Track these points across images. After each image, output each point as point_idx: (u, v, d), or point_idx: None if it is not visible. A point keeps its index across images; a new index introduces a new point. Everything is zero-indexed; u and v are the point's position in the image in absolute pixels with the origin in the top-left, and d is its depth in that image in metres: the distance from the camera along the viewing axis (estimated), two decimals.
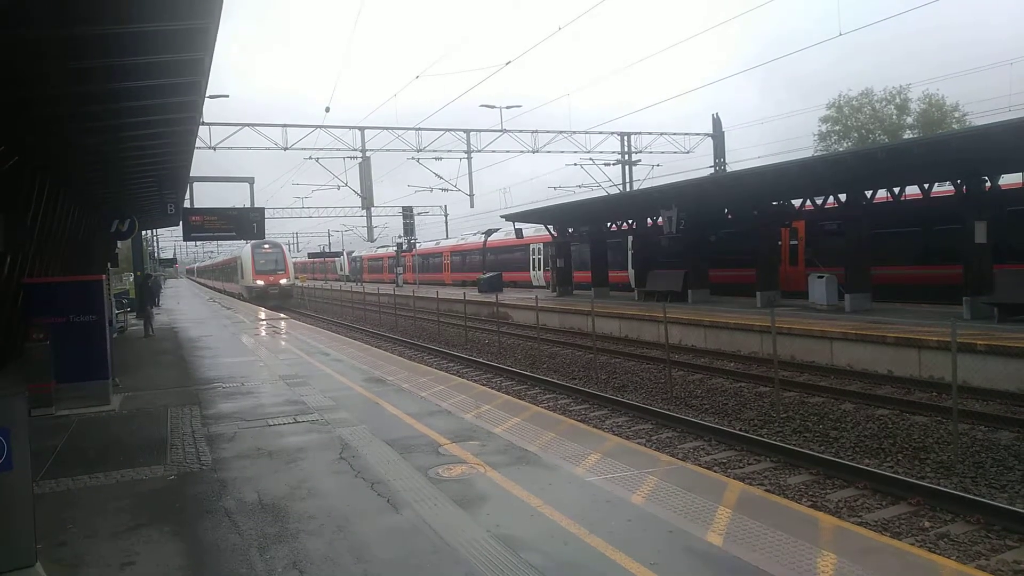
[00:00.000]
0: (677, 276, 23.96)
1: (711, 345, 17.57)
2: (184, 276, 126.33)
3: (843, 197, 18.55)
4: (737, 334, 16.93)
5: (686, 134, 34.82)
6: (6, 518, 4.15)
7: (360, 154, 30.35)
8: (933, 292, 17.96)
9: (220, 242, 62.36)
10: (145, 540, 5.13)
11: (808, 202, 19.99)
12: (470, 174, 33.32)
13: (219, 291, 62.58)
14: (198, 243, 75.21)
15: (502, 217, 33.55)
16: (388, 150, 31.06)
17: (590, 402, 12.94)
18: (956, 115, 46.33)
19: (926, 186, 16.87)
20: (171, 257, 72.46)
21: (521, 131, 32.00)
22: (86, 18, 6.49)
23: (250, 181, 23.76)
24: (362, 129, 30.30)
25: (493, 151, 32.12)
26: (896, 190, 17.50)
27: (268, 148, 28.55)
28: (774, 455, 9.10)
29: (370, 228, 41.28)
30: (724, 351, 16.85)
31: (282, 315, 32.47)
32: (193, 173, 20.62)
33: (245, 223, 22.84)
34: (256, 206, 24.39)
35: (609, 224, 27.89)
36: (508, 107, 31.17)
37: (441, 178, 35.60)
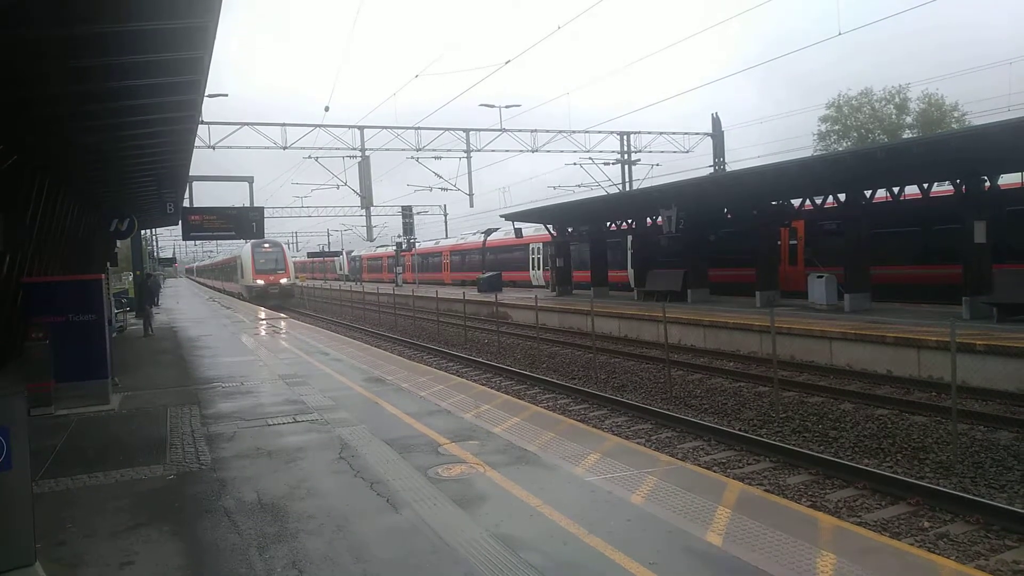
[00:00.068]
0: (676, 276, 23.96)
1: (710, 345, 17.57)
2: (183, 276, 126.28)
3: (842, 197, 18.55)
4: (736, 334, 16.93)
5: (685, 134, 34.84)
6: (5, 517, 4.15)
7: (359, 153, 30.34)
8: (932, 292, 17.96)
9: (219, 241, 62.51)
10: (144, 540, 5.13)
11: (807, 202, 20.00)
12: (469, 173, 33.34)
13: (219, 291, 62.54)
14: (197, 242, 75.25)
15: (501, 217, 33.57)
16: (387, 149, 31.07)
17: (589, 402, 12.95)
18: (955, 115, 46.37)
19: (925, 186, 16.88)
20: (170, 256, 72.43)
21: (520, 130, 32.01)
22: (85, 17, 6.49)
23: (249, 180, 23.75)
24: (361, 128, 30.29)
25: (492, 150, 32.13)
26: (895, 190, 17.50)
27: (267, 147, 28.57)
28: (773, 455, 9.10)
29: (369, 227, 41.24)
30: (723, 351, 16.85)
31: (281, 315, 32.48)
32: (192, 172, 20.62)
33: (244, 222, 22.82)
34: (255, 205, 24.36)
35: (608, 224, 27.90)
36: (507, 106, 31.19)
37: (440, 177, 35.62)
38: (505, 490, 5.89)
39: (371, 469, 6.60)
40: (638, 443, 9.08)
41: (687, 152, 34.90)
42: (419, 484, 6.11)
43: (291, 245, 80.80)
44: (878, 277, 18.66)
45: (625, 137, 34.33)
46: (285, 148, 28.81)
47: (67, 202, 16.80)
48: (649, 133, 34.41)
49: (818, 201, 19.59)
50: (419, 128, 30.98)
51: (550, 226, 30.50)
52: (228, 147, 27.53)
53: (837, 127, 50.52)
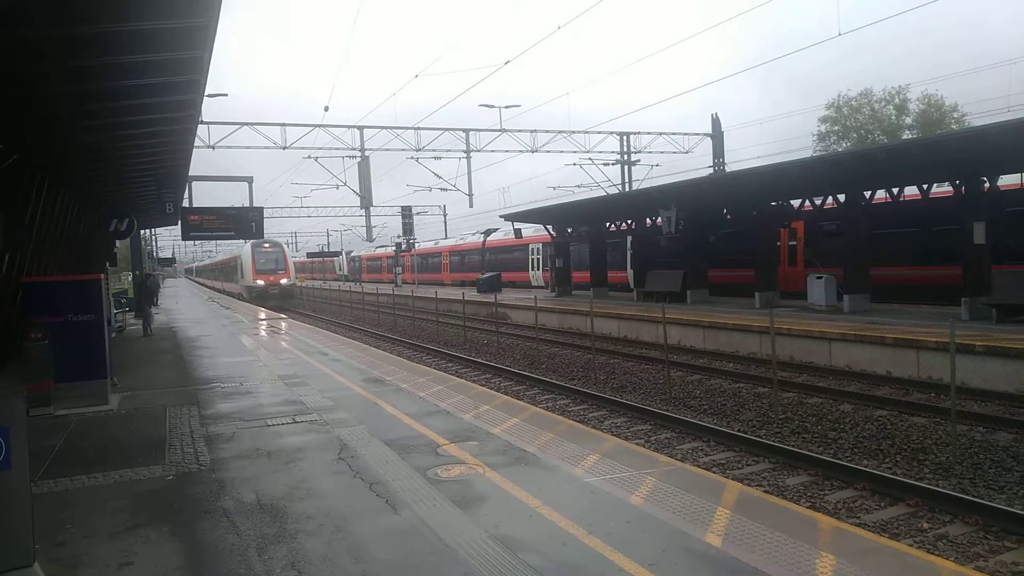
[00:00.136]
0: (676, 276, 23.96)
1: (710, 346, 17.57)
2: (183, 276, 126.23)
3: (842, 197, 18.56)
4: (736, 335, 16.94)
5: (685, 134, 34.86)
6: (4, 518, 4.15)
7: (359, 153, 30.34)
8: (932, 293, 17.97)
9: (219, 241, 62.50)
10: (143, 540, 5.13)
11: (807, 202, 20.00)
12: (469, 174, 33.35)
13: (218, 291, 62.50)
14: (197, 242, 75.26)
15: (501, 217, 33.57)
16: (387, 149, 31.06)
17: (589, 402, 12.94)
18: (955, 115, 46.41)
19: (925, 187, 16.88)
20: (170, 256, 72.39)
21: (520, 131, 32.02)
22: (85, 17, 6.48)
23: (249, 180, 23.75)
24: (361, 128, 30.29)
25: (492, 151, 32.14)
26: (895, 191, 17.51)
27: (267, 147, 28.56)
28: (773, 456, 9.10)
29: (369, 228, 41.26)
30: (723, 352, 16.85)
31: (281, 315, 32.47)
32: (192, 172, 20.60)
33: (244, 222, 22.83)
34: (255, 205, 24.37)
35: (608, 224, 27.90)
36: (507, 107, 31.19)
37: (440, 178, 35.62)
38: (504, 491, 5.89)
39: (370, 470, 6.60)
40: (637, 444, 9.09)
41: (687, 152, 34.93)
42: (418, 485, 6.10)
43: (290, 245, 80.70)
44: (877, 278, 18.66)
45: (625, 137, 34.34)
46: (285, 148, 28.80)
47: (67, 202, 16.80)
48: (649, 134, 34.44)
49: (818, 202, 19.59)
50: (419, 128, 31.00)
51: (549, 226, 30.50)
52: (228, 147, 27.56)
53: (837, 128, 50.56)
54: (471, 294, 28.80)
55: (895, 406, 11.12)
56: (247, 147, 29.20)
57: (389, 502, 5.70)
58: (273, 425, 8.67)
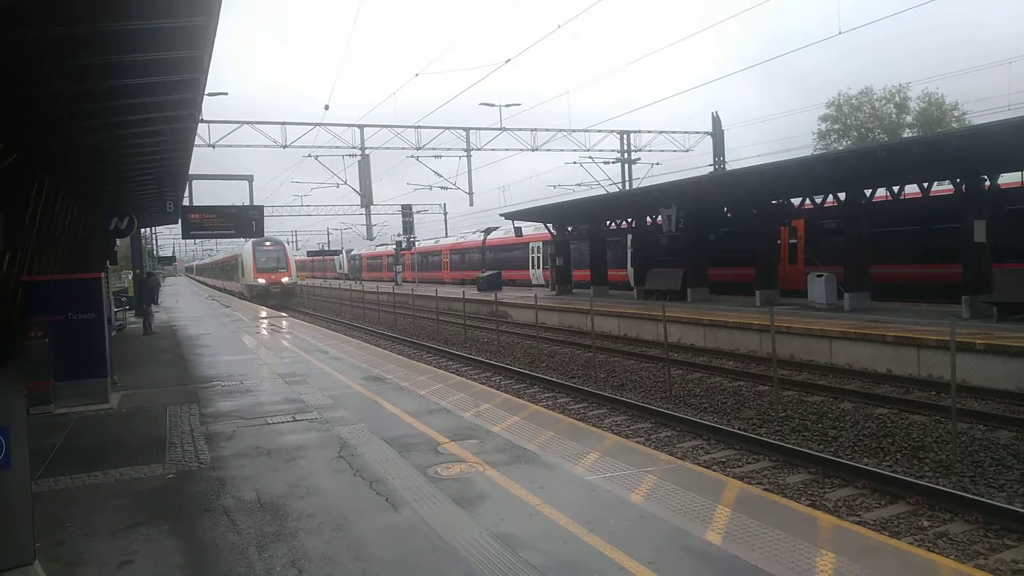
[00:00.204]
0: (676, 275, 23.96)
1: (710, 344, 17.57)
2: (183, 274, 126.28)
3: (842, 196, 18.55)
4: (736, 333, 16.94)
5: (685, 132, 34.83)
6: (4, 516, 4.15)
7: (359, 152, 30.33)
8: (932, 291, 17.96)
9: (219, 240, 62.47)
10: (144, 539, 5.13)
11: (807, 201, 19.99)
12: (469, 172, 33.34)
13: (219, 290, 62.48)
14: (197, 241, 75.19)
15: (501, 215, 33.57)
16: (387, 148, 31.06)
17: (589, 401, 12.95)
18: (955, 114, 46.37)
19: (925, 185, 16.88)
20: (170, 255, 72.41)
21: (520, 129, 32.00)
22: (85, 16, 6.49)
23: (249, 179, 23.77)
24: (361, 127, 30.29)
25: (492, 149, 32.14)
26: (895, 189, 17.50)
27: (267, 146, 28.56)
28: (773, 454, 9.11)
29: (369, 226, 41.25)
30: (723, 350, 16.86)
31: (281, 313, 32.50)
32: (192, 171, 20.62)
33: (244, 221, 22.83)
34: (255, 204, 24.38)
35: (608, 222, 27.89)
36: (507, 105, 31.16)
37: (440, 176, 35.61)
38: (504, 489, 5.89)
39: (370, 468, 6.60)
40: (638, 442, 9.09)
41: (687, 151, 34.91)
42: (418, 483, 6.11)
43: (291, 244, 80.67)
44: (878, 276, 18.66)
45: (625, 136, 34.32)
46: (285, 147, 28.80)
47: (67, 201, 16.80)
48: (649, 132, 34.41)
49: (818, 200, 19.59)
50: (419, 127, 30.99)
51: (550, 225, 30.50)
52: (228, 146, 27.54)
53: (837, 126, 50.52)
54: (471, 292, 28.80)
55: (895, 404, 11.13)
56: (247, 146, 29.18)
57: (389, 500, 5.70)
58: (273, 423, 8.68)
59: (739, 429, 10.37)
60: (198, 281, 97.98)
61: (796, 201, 20.61)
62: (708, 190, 21.21)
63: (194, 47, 7.53)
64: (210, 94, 22.36)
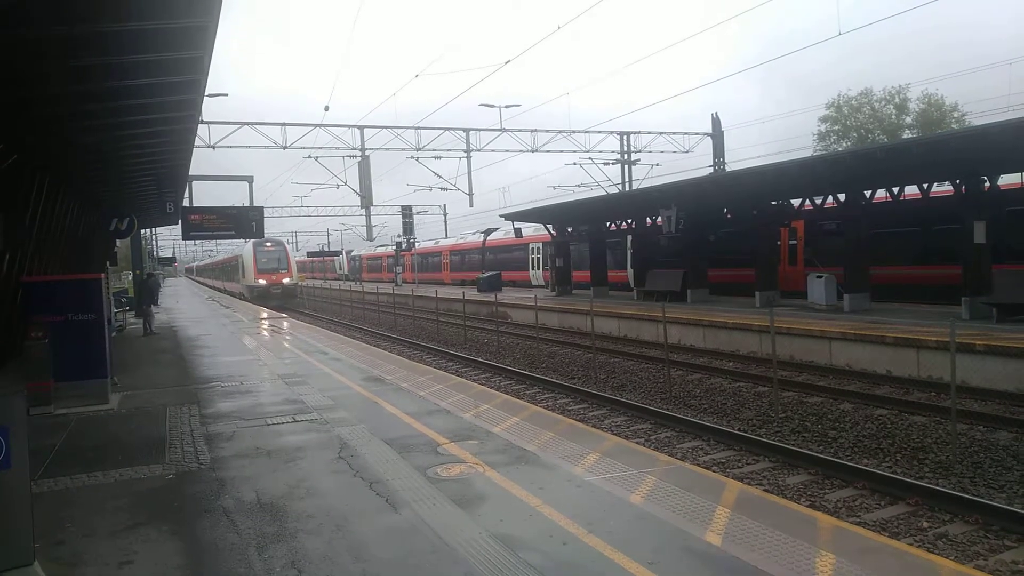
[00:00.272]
0: (676, 276, 23.96)
1: (710, 345, 17.57)
2: (183, 275, 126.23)
3: (842, 197, 18.55)
4: (736, 334, 16.94)
5: (685, 133, 34.84)
6: (4, 517, 4.15)
7: (359, 153, 30.34)
8: (932, 292, 17.96)
9: (219, 241, 62.43)
10: (143, 539, 5.13)
11: (807, 202, 20.00)
12: (469, 173, 33.36)
13: (219, 291, 62.44)
14: (197, 242, 75.12)
15: (501, 216, 33.57)
16: (387, 149, 31.07)
17: (589, 401, 12.95)
18: (955, 115, 46.38)
19: (925, 186, 16.88)
20: (170, 256, 72.39)
21: (520, 130, 32.01)
22: (85, 17, 6.49)
23: (249, 180, 23.76)
24: (361, 128, 30.29)
25: (492, 150, 32.13)
26: (895, 190, 17.50)
27: (267, 147, 28.56)
28: (773, 455, 9.10)
29: (369, 227, 41.24)
30: (723, 351, 16.86)
31: (281, 314, 32.48)
32: (192, 172, 20.62)
33: (244, 222, 22.83)
34: (255, 205, 24.38)
35: (608, 223, 27.90)
36: (507, 106, 31.19)
37: (440, 177, 35.62)
38: (504, 490, 5.89)
39: (370, 469, 6.60)
40: (637, 443, 9.08)
41: (687, 152, 34.92)
42: (418, 484, 6.11)
43: (291, 244, 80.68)
44: (878, 277, 18.66)
45: (625, 137, 34.33)
46: (285, 148, 28.80)
47: (67, 201, 16.80)
48: (649, 133, 34.43)
49: (818, 201, 19.59)
50: (419, 128, 31.00)
51: (550, 226, 30.50)
52: (228, 147, 27.56)
53: (837, 127, 50.53)
54: (471, 293, 28.80)
55: (895, 405, 11.12)
56: (247, 147, 29.24)
57: (389, 501, 5.70)
58: (273, 424, 8.67)
59: (739, 430, 10.37)
60: (198, 282, 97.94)
61: (796, 202, 20.62)
62: (708, 191, 21.22)
63: (194, 48, 7.53)
64: (210, 95, 22.39)
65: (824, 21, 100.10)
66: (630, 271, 28.99)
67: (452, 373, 15.23)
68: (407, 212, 54.21)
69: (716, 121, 33.65)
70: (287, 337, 20.09)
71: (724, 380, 14.00)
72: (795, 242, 22.42)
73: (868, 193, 17.92)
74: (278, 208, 60.80)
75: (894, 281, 19.14)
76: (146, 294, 23.24)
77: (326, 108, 29.03)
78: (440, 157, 32.81)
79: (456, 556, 4.60)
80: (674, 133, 34.57)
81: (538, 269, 37.74)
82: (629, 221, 26.67)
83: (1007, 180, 16.54)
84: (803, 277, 20.23)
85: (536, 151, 32.29)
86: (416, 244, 55.21)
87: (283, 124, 28.83)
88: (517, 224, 34.31)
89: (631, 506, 5.47)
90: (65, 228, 17.63)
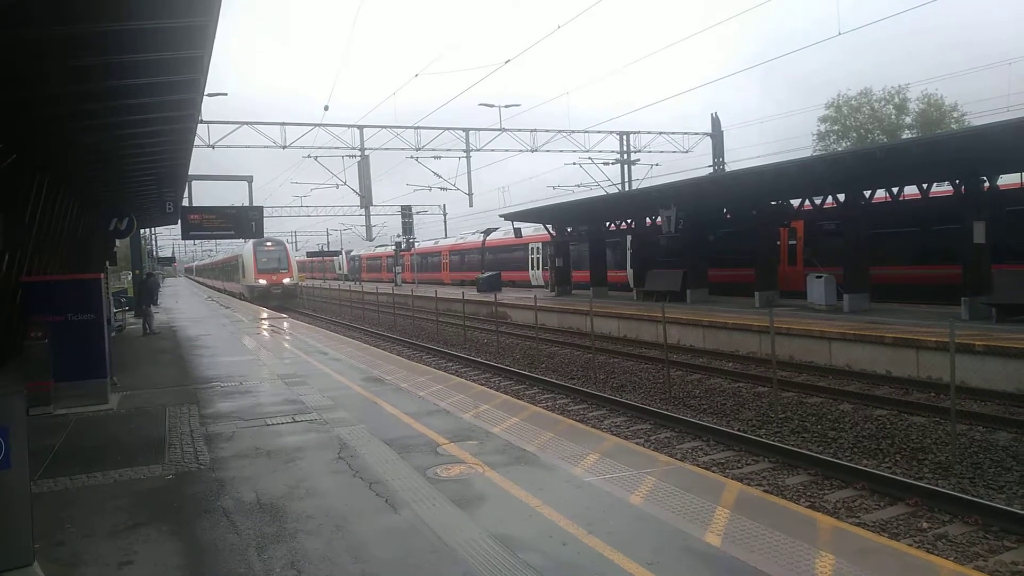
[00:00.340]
0: (676, 276, 23.96)
1: (709, 345, 17.58)
2: (183, 275, 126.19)
3: (842, 197, 18.56)
4: (735, 334, 16.94)
5: (685, 133, 34.86)
6: (4, 517, 4.15)
7: (359, 153, 30.34)
8: (932, 292, 17.97)
9: (219, 240, 62.38)
10: (143, 539, 5.13)
11: (807, 202, 20.01)
12: (469, 173, 33.37)
13: (219, 291, 62.39)
14: (197, 242, 75.10)
15: (501, 216, 33.57)
16: (387, 149, 31.08)
17: (588, 402, 12.95)
18: (955, 115, 46.39)
19: (925, 186, 16.88)
20: (169, 256, 72.39)
21: (520, 130, 32.03)
22: (85, 16, 6.49)
23: (249, 180, 23.76)
24: (361, 128, 30.30)
25: (492, 150, 32.16)
26: (895, 190, 17.51)
27: (267, 146, 28.57)
28: (772, 455, 9.11)
29: (369, 227, 41.22)
30: (722, 351, 16.86)
31: (281, 314, 32.47)
32: (191, 171, 20.62)
33: (244, 222, 22.84)
34: (255, 205, 24.38)
35: (608, 224, 27.90)
36: (507, 106, 31.20)
37: (440, 177, 35.63)
38: (504, 490, 5.89)
39: (370, 469, 6.60)
40: (637, 443, 9.09)
41: (686, 152, 34.94)
42: (418, 484, 6.10)
43: (290, 244, 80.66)
44: (877, 277, 18.66)
45: (624, 137, 34.35)
46: (284, 147, 28.81)
47: (66, 201, 16.80)
48: (648, 133, 34.44)
49: (817, 201, 19.59)
50: (419, 127, 31.01)
51: (549, 226, 30.50)
52: (227, 146, 27.56)
53: (836, 127, 50.55)
54: (471, 293, 28.80)
55: (895, 405, 11.13)
56: (247, 146, 29.21)
57: (389, 501, 5.70)
58: (273, 424, 8.67)
59: (738, 430, 10.37)
60: (198, 282, 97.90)
61: (795, 202, 20.62)
62: (707, 191, 21.22)
63: (194, 47, 7.53)
64: (210, 95, 22.40)
65: (824, 21, 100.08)
66: (630, 271, 29.00)
67: (452, 373, 15.23)
68: (407, 212, 54.20)
69: (716, 121, 33.68)
70: (287, 337, 20.09)
71: (724, 380, 14.00)
72: (795, 242, 22.43)
73: (868, 193, 17.93)
74: (278, 208, 60.81)
75: (894, 281, 19.14)
76: (145, 294, 23.23)
77: (326, 108, 29.12)
78: (440, 157, 32.85)
79: (456, 556, 4.60)
80: (674, 133, 34.61)
81: (538, 269, 37.74)
82: (629, 221, 26.67)
83: (1006, 180, 16.54)
84: (803, 277, 20.23)
85: (536, 151, 32.31)
86: (415, 244, 55.22)
87: (283, 124, 28.86)
88: (517, 224, 34.32)
89: (631, 506, 5.48)
90: (65, 228, 17.63)
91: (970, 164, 15.06)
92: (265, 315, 30.32)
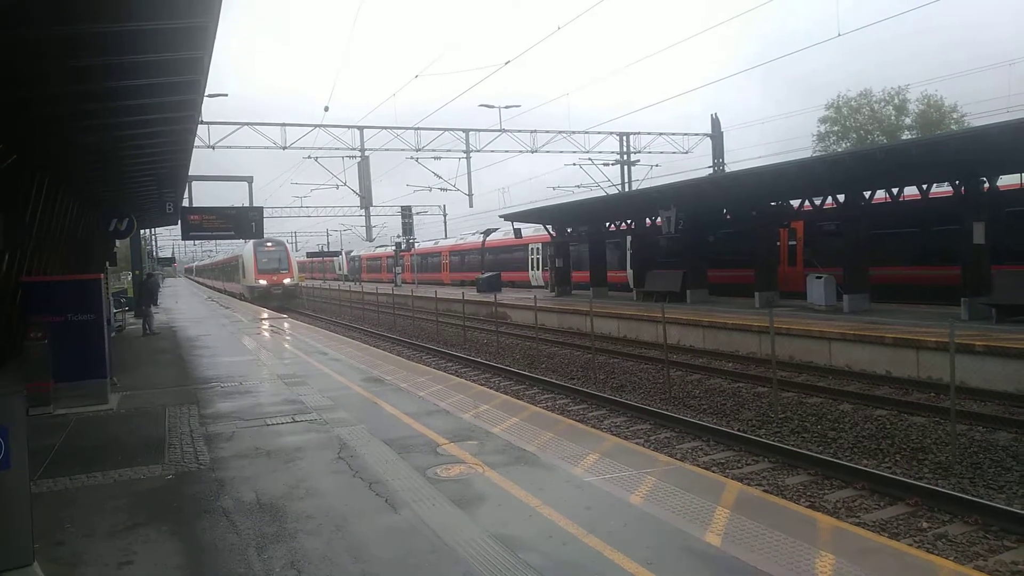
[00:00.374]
0: (676, 276, 23.97)
1: (709, 345, 17.58)
2: (183, 275, 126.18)
3: (841, 198, 18.57)
4: (735, 334, 16.94)
5: (685, 134, 34.91)
6: (4, 517, 4.15)
7: (359, 153, 30.36)
8: (931, 293, 17.98)
9: (219, 241, 62.42)
10: (143, 539, 5.13)
11: (807, 202, 20.01)
12: (469, 174, 33.38)
13: (219, 291, 62.37)
14: (197, 242, 75.12)
15: (501, 217, 33.57)
16: (387, 149, 31.09)
17: (588, 402, 12.95)
18: (955, 116, 46.44)
19: (924, 187, 16.89)
20: (169, 256, 72.40)
21: (520, 131, 32.06)
22: (85, 17, 6.49)
23: (249, 180, 23.74)
24: (361, 128, 30.30)
25: (492, 151, 32.17)
26: (894, 191, 17.52)
27: (267, 147, 28.59)
28: (772, 455, 9.11)
29: (369, 228, 41.24)
30: (722, 351, 16.86)
31: (281, 315, 32.45)
32: (192, 172, 20.62)
33: (244, 222, 22.82)
34: (255, 205, 24.37)
35: (608, 224, 27.91)
36: (507, 107, 31.23)
37: (440, 178, 35.65)
38: (504, 490, 5.89)
39: (370, 469, 6.60)
40: (637, 443, 9.09)
41: (686, 153, 34.97)
42: (418, 484, 6.11)
43: (291, 245, 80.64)
44: (877, 278, 18.67)
45: (625, 138, 34.36)
46: (285, 148, 28.82)
47: (66, 201, 16.80)
48: (648, 134, 34.47)
49: (817, 202, 19.60)
50: (419, 128, 31.02)
51: (549, 226, 30.50)
52: (228, 147, 27.60)
53: (836, 128, 50.61)
54: (471, 294, 28.81)
55: (895, 406, 11.13)
56: (247, 147, 29.27)
57: (388, 501, 5.70)
58: (273, 424, 8.67)
59: (738, 430, 10.38)
60: (198, 282, 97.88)
61: (795, 203, 20.62)
62: (707, 192, 21.22)
63: (194, 48, 7.53)
64: (210, 95, 22.40)
65: (824, 21, 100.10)
66: (629, 272, 29.00)
67: (451, 373, 15.23)
68: (407, 212, 54.22)
69: (716, 122, 33.71)
70: (287, 337, 20.09)
71: (723, 381, 14.00)
72: (794, 243, 22.44)
73: (867, 194, 17.94)
74: (278, 208, 60.85)
75: (893, 282, 19.15)
76: (145, 294, 23.22)
77: (326, 108, 29.09)
78: (440, 157, 32.87)
79: (456, 556, 4.60)
80: (674, 134, 34.67)
81: (538, 270, 37.75)
82: (628, 222, 26.67)
83: (1006, 181, 16.55)
84: (802, 278, 20.24)
85: (536, 152, 32.33)
86: (415, 244, 55.21)
87: (283, 124, 28.88)
88: (517, 224, 34.32)
89: (631, 506, 5.48)
90: (65, 228, 17.63)
91: (969, 165, 15.07)
92: (265, 315, 30.31)
